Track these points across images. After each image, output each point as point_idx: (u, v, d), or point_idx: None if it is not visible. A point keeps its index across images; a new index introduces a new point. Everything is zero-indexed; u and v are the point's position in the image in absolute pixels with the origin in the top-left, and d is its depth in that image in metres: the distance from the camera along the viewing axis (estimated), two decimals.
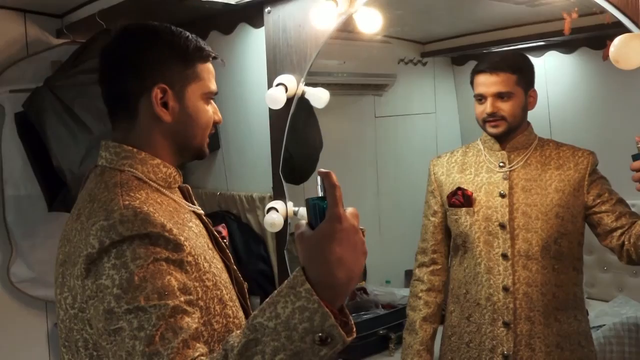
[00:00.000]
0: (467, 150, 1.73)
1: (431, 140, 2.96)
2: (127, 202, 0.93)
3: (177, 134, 1.07)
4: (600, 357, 1.85)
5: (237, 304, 1.08)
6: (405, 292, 2.48)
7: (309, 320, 0.75)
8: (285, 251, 1.86)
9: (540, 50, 2.39)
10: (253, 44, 2.02)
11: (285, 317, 0.76)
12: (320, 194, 0.81)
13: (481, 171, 1.66)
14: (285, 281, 0.79)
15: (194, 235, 1.02)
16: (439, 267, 1.77)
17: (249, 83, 2.09)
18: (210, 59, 1.09)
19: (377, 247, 2.74)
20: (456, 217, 1.67)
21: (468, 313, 1.66)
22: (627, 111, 2.08)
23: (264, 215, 1.86)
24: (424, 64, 2.83)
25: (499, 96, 1.58)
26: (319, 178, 0.82)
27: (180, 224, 0.99)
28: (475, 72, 1.63)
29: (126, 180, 1.00)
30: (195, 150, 1.10)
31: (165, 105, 1.03)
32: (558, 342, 1.56)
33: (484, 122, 1.62)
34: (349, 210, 0.81)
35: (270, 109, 1.81)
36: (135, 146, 1.04)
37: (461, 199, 1.66)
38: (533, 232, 1.56)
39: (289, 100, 1.75)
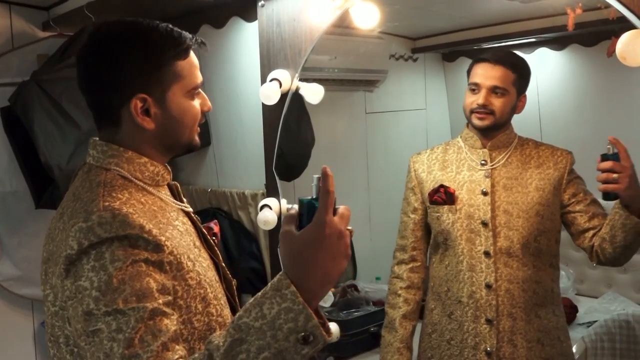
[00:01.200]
0: (448, 147, 1.72)
1: (422, 137, 2.96)
2: (106, 204, 0.93)
3: (164, 137, 1.05)
4: (592, 354, 1.87)
5: (223, 301, 1.08)
6: None
7: (294, 320, 0.79)
8: (278, 249, 1.84)
9: (531, 46, 2.40)
10: (246, 38, 2.00)
11: (271, 318, 0.79)
12: (315, 194, 0.83)
13: (462, 169, 1.66)
14: (270, 284, 0.83)
15: (178, 234, 1.01)
16: (419, 264, 1.77)
17: (241, 78, 2.07)
18: (190, 52, 1.05)
19: (367, 244, 2.74)
20: (438, 214, 1.67)
21: (449, 310, 1.66)
22: (617, 108, 2.10)
23: (256, 213, 1.84)
24: (415, 60, 2.82)
25: (494, 90, 1.58)
26: (315, 178, 0.84)
27: (163, 223, 0.99)
28: (477, 60, 1.64)
29: (110, 180, 0.99)
30: (185, 145, 1.09)
31: (147, 112, 1.02)
32: (539, 338, 1.58)
33: (471, 112, 1.62)
34: (340, 209, 0.84)
35: (263, 105, 1.79)
36: (121, 145, 1.04)
37: (443, 196, 1.65)
38: (514, 229, 1.57)
39: (283, 96, 1.73)
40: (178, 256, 0.96)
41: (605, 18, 1.31)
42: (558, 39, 2.16)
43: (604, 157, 1.41)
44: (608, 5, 1.18)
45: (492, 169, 1.62)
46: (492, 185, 1.60)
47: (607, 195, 1.43)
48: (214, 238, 1.15)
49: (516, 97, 1.60)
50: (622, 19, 1.17)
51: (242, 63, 2.05)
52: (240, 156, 2.21)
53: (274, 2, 1.76)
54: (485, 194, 1.60)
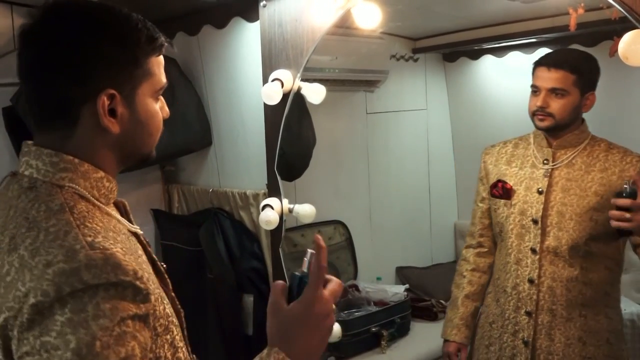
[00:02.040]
0: (520, 142, 1.77)
1: (422, 136, 2.97)
2: (89, 239, 0.77)
3: (125, 144, 0.91)
4: None
5: (182, 338, 0.94)
6: (397, 289, 2.50)
7: None
8: (280, 249, 1.85)
9: (532, 47, 2.41)
10: (247, 38, 2.01)
11: None
12: (306, 267, 0.84)
13: (526, 165, 1.70)
14: (263, 355, 0.82)
15: (147, 267, 0.88)
16: (486, 250, 1.85)
17: (243, 78, 2.08)
18: (164, 49, 0.94)
19: (368, 244, 2.75)
20: (495, 207, 1.75)
21: (497, 297, 1.76)
22: (618, 107, 2.10)
23: (258, 213, 1.85)
24: (416, 60, 2.83)
25: (553, 92, 1.59)
26: (309, 253, 0.84)
27: (135, 255, 0.84)
28: (536, 64, 1.65)
29: (72, 202, 0.83)
30: (142, 157, 0.96)
31: (112, 112, 0.87)
32: (580, 336, 1.61)
33: (533, 114, 1.64)
34: (331, 285, 0.84)
35: (265, 105, 1.79)
36: (75, 155, 0.87)
37: (500, 190, 1.72)
38: (564, 231, 1.59)
39: (285, 96, 1.73)
40: (156, 303, 0.82)
41: (607, 18, 1.32)
42: (558, 39, 2.17)
43: (619, 194, 1.42)
44: (610, 6, 1.19)
45: (552, 168, 1.65)
46: (550, 185, 1.63)
47: (621, 232, 1.46)
48: (162, 264, 0.99)
49: (580, 96, 1.59)
50: (624, 19, 1.17)
51: (243, 63, 2.06)
52: (241, 156, 2.21)
53: (276, 3, 1.76)
54: (540, 192, 1.64)
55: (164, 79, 0.95)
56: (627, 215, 1.39)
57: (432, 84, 2.94)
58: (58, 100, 0.86)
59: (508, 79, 2.65)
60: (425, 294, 2.64)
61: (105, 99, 0.85)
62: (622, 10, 1.12)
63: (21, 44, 0.87)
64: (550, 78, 1.59)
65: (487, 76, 2.79)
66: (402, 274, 2.83)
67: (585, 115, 1.66)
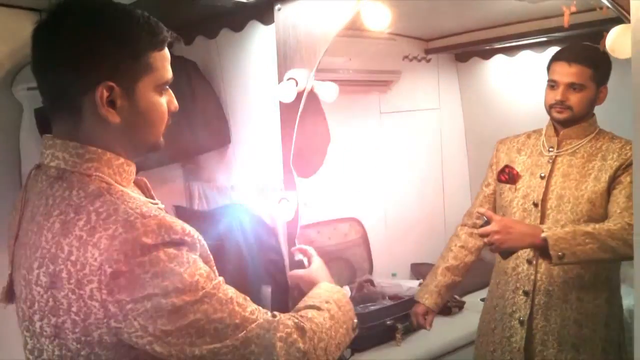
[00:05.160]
0: (533, 133, 1.83)
1: (435, 135, 3.00)
2: (138, 211, 0.88)
3: (129, 133, 0.97)
4: None
5: None
6: (412, 283, 2.53)
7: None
8: (296, 241, 1.90)
9: (542, 46, 2.44)
10: (263, 40, 2.05)
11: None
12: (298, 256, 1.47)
13: (535, 154, 1.76)
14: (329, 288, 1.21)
15: None
16: (475, 241, 1.92)
17: (260, 78, 2.11)
18: (166, 45, 0.98)
19: (383, 241, 2.79)
20: (501, 191, 1.81)
21: (498, 280, 1.81)
22: (626, 105, 2.12)
23: (275, 207, 1.90)
24: (428, 61, 2.87)
25: (571, 86, 1.65)
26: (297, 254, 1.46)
27: None
28: (554, 59, 1.70)
29: (105, 187, 0.92)
30: (150, 145, 1.02)
31: (112, 103, 0.92)
32: (576, 319, 1.64)
33: (550, 107, 1.70)
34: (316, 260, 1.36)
35: (280, 103, 1.85)
36: (90, 141, 0.94)
37: (507, 176, 1.79)
38: (563, 213, 1.64)
39: (299, 95, 1.79)
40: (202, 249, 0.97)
41: (616, 16, 1.36)
42: (569, 38, 2.19)
43: (482, 226, 1.59)
44: (602, 6, 1.23)
45: (556, 155, 1.70)
46: (552, 171, 1.69)
47: (501, 254, 1.64)
48: None
49: (595, 90, 1.65)
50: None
51: (260, 64, 2.09)
52: (258, 153, 2.25)
53: (290, 6, 1.82)
54: (542, 177, 1.70)
55: (168, 74, 0.98)
56: (486, 240, 1.56)
57: (445, 84, 2.98)
58: (60, 91, 0.92)
59: (520, 78, 2.68)
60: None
61: (105, 90, 0.90)
62: (609, 5, 1.16)
63: (32, 42, 0.94)
64: (570, 73, 1.64)
65: (499, 75, 2.82)
66: (417, 270, 2.86)
67: (597, 109, 1.70)
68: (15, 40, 2.12)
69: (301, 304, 1.11)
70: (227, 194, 2.36)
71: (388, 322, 2.23)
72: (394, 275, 2.73)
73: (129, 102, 0.94)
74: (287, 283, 1.93)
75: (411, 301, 2.15)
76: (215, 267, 1.00)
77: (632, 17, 0.82)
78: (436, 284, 1.94)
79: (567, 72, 1.64)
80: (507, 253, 1.62)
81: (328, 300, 1.11)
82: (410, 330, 2.23)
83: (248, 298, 0.98)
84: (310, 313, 1.05)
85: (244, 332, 0.92)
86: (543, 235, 1.48)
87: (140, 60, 0.94)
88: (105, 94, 0.91)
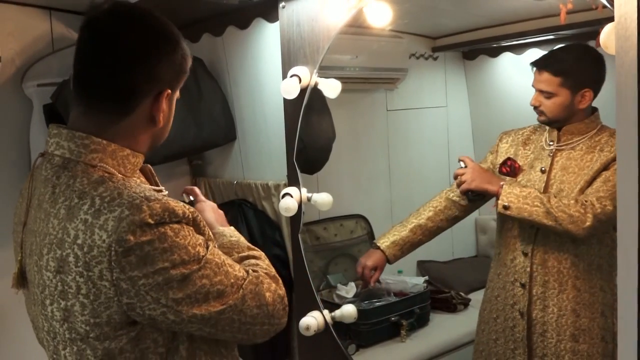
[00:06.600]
0: (539, 128, 1.82)
1: (442, 133, 2.98)
2: (142, 194, 0.93)
3: (159, 134, 1.07)
4: None
5: None
6: (417, 280, 2.52)
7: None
8: (299, 236, 1.91)
9: (550, 43, 2.41)
10: (268, 37, 2.07)
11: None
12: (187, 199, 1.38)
13: (537, 147, 1.77)
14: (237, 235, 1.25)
15: None
16: (462, 204, 1.92)
17: (265, 75, 2.13)
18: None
19: None
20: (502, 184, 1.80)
21: (499, 271, 1.82)
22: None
23: (279, 202, 1.90)
24: (435, 59, 2.86)
25: (542, 93, 1.68)
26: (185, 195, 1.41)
27: None
28: (531, 64, 1.75)
29: (108, 175, 0.97)
30: (162, 141, 1.13)
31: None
32: (574, 309, 1.65)
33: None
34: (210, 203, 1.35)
35: (285, 100, 1.86)
36: (111, 140, 1.00)
37: (509, 168, 1.80)
38: None
39: (303, 91, 1.80)
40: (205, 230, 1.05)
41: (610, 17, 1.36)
42: (577, 36, 2.17)
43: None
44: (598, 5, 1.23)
45: (557, 149, 1.70)
46: (551, 165, 1.69)
47: (468, 198, 1.77)
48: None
49: (570, 96, 1.65)
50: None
51: (265, 61, 2.11)
52: (264, 149, 2.28)
53: (294, 4, 1.83)
54: (543, 171, 1.70)
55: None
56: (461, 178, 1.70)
57: (452, 82, 2.96)
58: (123, 89, 0.98)
59: (527, 76, 2.67)
60: (445, 286, 2.65)
61: (166, 95, 1.01)
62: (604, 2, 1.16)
63: (88, 32, 0.99)
64: (539, 80, 1.68)
65: (506, 73, 2.80)
66: (423, 268, 2.85)
67: (599, 105, 1.70)
68: (26, 38, 2.16)
69: (235, 256, 1.16)
70: (233, 190, 2.38)
71: (393, 319, 2.23)
72: (400, 272, 2.72)
73: (168, 107, 1.05)
74: (291, 278, 1.94)
75: (417, 298, 2.15)
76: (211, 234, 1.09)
77: (616, 12, 0.83)
78: (403, 238, 1.96)
79: (537, 79, 1.69)
80: (473, 197, 1.75)
81: (249, 246, 1.21)
82: (414, 327, 2.24)
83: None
84: (262, 263, 1.15)
85: (241, 290, 1.01)
86: (502, 183, 1.65)
87: (184, 75, 1.05)
88: (165, 99, 1.02)
